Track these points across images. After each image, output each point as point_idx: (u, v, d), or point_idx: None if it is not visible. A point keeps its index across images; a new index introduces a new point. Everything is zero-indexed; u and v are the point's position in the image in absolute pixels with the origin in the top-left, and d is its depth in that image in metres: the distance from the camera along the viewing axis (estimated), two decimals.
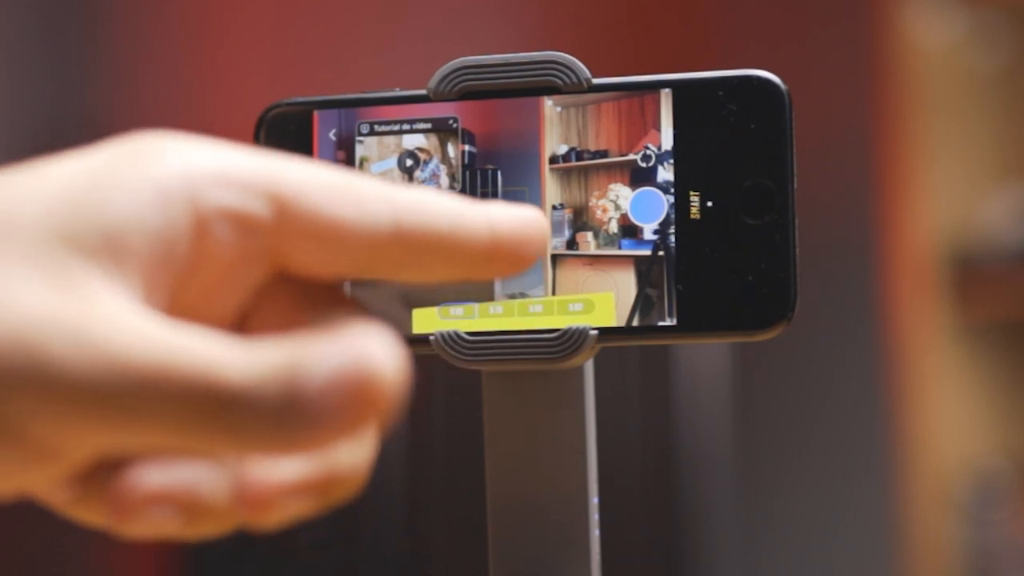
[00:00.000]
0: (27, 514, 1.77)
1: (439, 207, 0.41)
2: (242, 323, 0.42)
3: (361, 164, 0.56)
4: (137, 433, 0.37)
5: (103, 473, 0.40)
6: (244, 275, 0.41)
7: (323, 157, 0.56)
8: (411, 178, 0.55)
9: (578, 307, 0.54)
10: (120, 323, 0.37)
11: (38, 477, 0.39)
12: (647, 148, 0.54)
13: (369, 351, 0.38)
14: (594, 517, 0.55)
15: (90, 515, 0.41)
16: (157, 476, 0.39)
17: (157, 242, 0.39)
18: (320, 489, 0.40)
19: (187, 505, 0.39)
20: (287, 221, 0.40)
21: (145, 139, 0.40)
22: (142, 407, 0.37)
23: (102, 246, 0.38)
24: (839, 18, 2.26)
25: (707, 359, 1.67)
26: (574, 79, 0.54)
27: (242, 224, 0.40)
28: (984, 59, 2.32)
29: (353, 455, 0.41)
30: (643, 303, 0.53)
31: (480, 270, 0.42)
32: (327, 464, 0.40)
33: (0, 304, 0.37)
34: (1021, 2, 2.36)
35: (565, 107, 0.54)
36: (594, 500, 0.55)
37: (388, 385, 0.38)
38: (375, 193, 0.41)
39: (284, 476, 0.39)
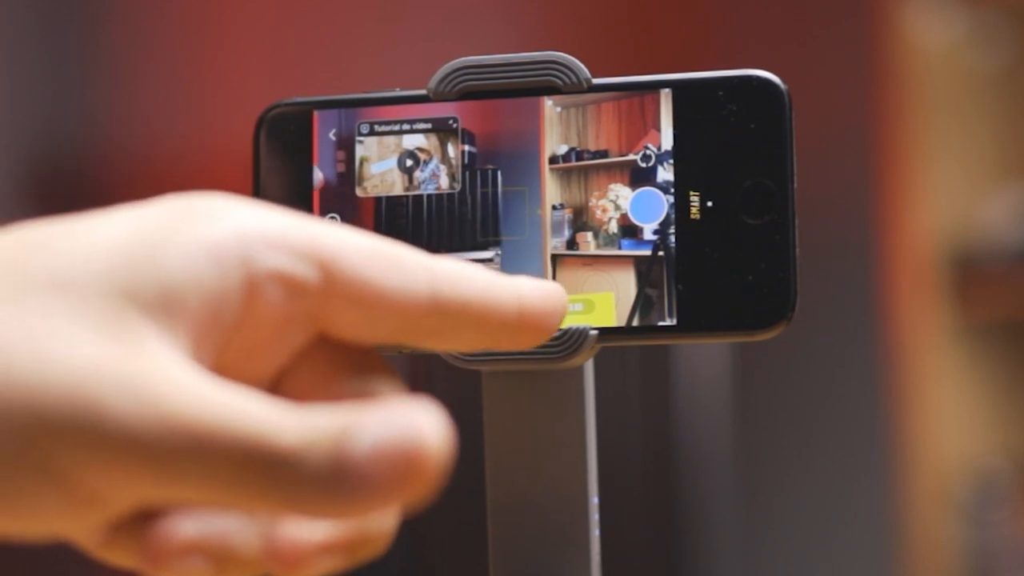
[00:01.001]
0: None
1: (474, 279, 0.43)
2: (279, 383, 0.43)
3: (361, 164, 0.56)
4: (185, 489, 0.38)
5: (137, 518, 0.41)
6: (288, 337, 0.42)
7: (323, 157, 0.56)
8: (411, 178, 0.55)
9: (578, 307, 0.54)
10: (175, 380, 0.38)
11: (80, 523, 0.40)
12: (647, 148, 0.54)
13: (417, 423, 0.39)
14: (594, 517, 0.55)
15: (119, 558, 0.42)
16: (192, 526, 0.40)
17: (210, 301, 0.40)
18: (349, 549, 0.41)
19: (219, 556, 0.40)
20: (332, 285, 0.41)
21: (200, 199, 0.41)
22: (193, 465, 0.38)
23: (158, 302, 0.39)
24: (839, 18, 2.26)
25: (707, 359, 1.67)
26: (574, 79, 0.54)
27: (290, 287, 0.41)
28: (984, 59, 2.32)
29: (383, 516, 0.42)
30: (643, 303, 0.53)
31: (506, 340, 0.45)
32: (358, 525, 0.41)
33: (60, 352, 0.38)
34: (1021, 2, 2.36)
35: (565, 107, 0.54)
36: (594, 500, 0.55)
37: (434, 458, 0.38)
38: (415, 262, 0.43)
39: (315, 535, 0.40)
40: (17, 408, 0.37)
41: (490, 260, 0.54)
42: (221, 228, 0.40)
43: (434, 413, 0.39)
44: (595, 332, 0.53)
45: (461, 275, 0.43)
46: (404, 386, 0.44)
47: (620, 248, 0.54)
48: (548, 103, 0.55)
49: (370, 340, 0.43)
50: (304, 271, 0.41)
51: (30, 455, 0.38)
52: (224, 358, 0.41)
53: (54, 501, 0.38)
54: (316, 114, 0.56)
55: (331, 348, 0.43)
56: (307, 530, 0.40)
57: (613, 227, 0.54)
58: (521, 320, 0.44)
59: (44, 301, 0.38)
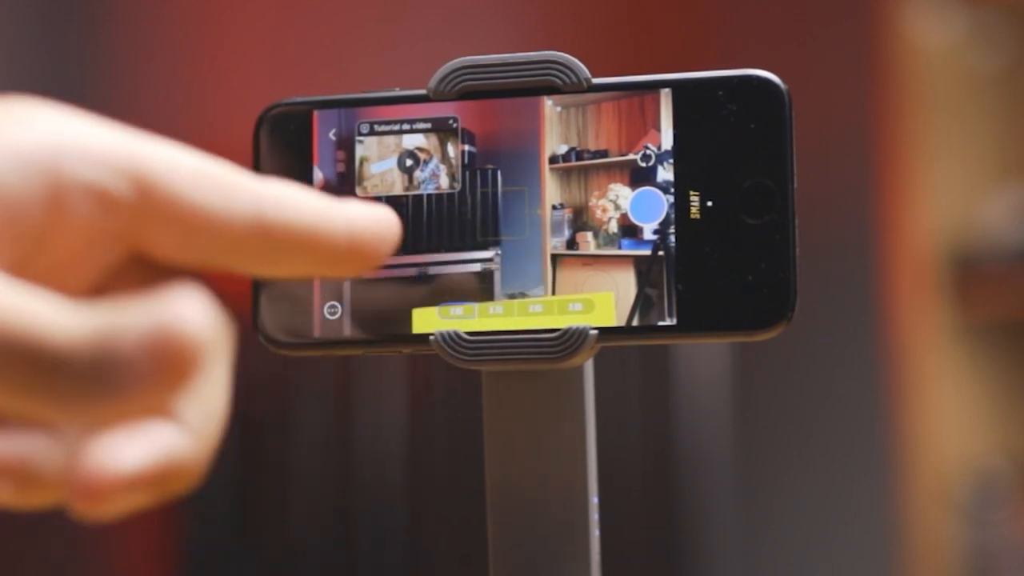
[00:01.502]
0: (27, 515, 1.77)
1: (301, 202, 0.42)
2: (93, 300, 0.42)
3: (361, 164, 0.56)
4: None
5: None
6: (99, 252, 0.42)
7: (323, 157, 0.56)
8: (411, 178, 0.55)
9: (578, 307, 0.54)
10: None
11: None
12: (647, 148, 0.54)
13: (177, 312, 0.38)
14: (594, 517, 0.55)
15: None
16: None
17: (8, 207, 0.40)
18: (155, 482, 0.40)
19: (20, 476, 0.40)
20: (148, 203, 0.41)
21: (19, 103, 0.41)
22: None
23: None
24: (839, 18, 2.26)
25: (707, 359, 1.67)
26: (574, 79, 0.54)
27: (101, 201, 0.41)
28: (984, 59, 2.32)
29: (189, 447, 0.41)
30: (643, 303, 0.53)
31: (336, 267, 0.44)
32: (163, 457, 0.40)
33: None
34: (1021, 2, 2.35)
35: (565, 107, 0.54)
36: (594, 500, 0.55)
37: (194, 344, 0.38)
38: (239, 183, 0.42)
39: (119, 469, 0.39)
40: None
41: (490, 260, 0.54)
42: (31, 134, 0.40)
43: (196, 300, 0.38)
44: (595, 332, 0.53)
45: (288, 197, 0.42)
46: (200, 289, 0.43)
47: (620, 248, 0.54)
48: (548, 103, 0.55)
49: (189, 261, 0.42)
50: (117, 185, 0.41)
51: None
52: (31, 268, 0.41)
53: None
54: (316, 114, 0.56)
55: (146, 268, 0.43)
56: (111, 463, 0.39)
57: (613, 227, 0.54)
58: (351, 246, 0.43)
59: None
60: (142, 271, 0.43)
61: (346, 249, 0.43)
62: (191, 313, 0.38)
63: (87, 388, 0.38)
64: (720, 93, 0.53)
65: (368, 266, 0.44)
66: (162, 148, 0.42)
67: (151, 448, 0.39)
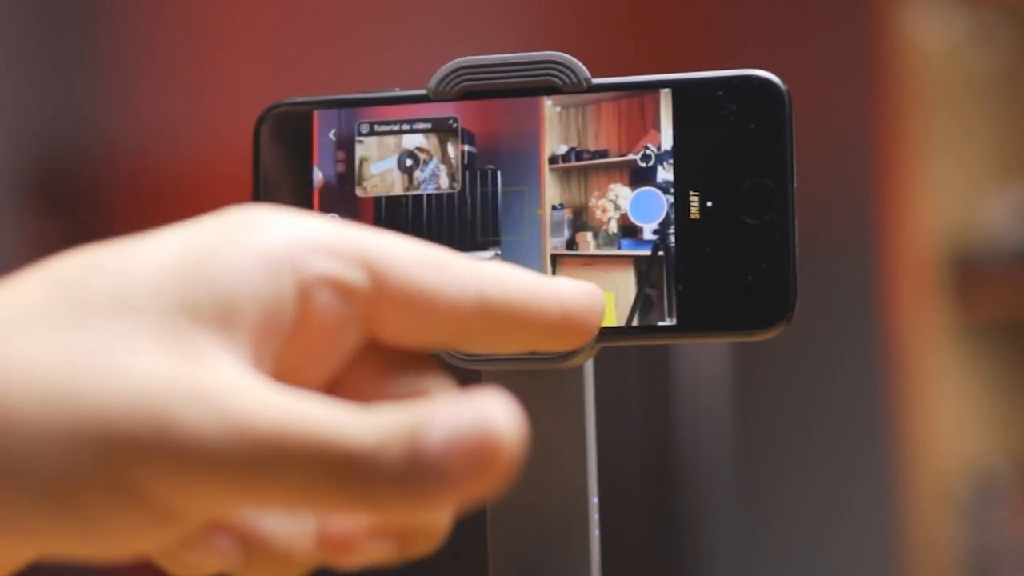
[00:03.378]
0: None
1: (518, 280, 0.44)
2: (333, 390, 0.43)
3: (361, 164, 0.56)
4: (263, 498, 0.38)
5: None
6: (340, 343, 0.43)
7: (323, 157, 0.56)
8: (411, 178, 0.55)
9: None
10: (243, 390, 0.38)
11: (160, 539, 0.40)
12: (647, 148, 0.54)
13: (488, 412, 0.38)
14: (594, 517, 0.55)
15: (177, 566, 0.42)
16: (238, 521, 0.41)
17: (266, 309, 0.40)
18: (399, 537, 0.42)
19: (249, 541, 0.41)
20: (382, 289, 0.42)
21: (246, 211, 0.42)
22: (268, 473, 0.38)
23: (217, 315, 0.39)
24: (839, 18, 2.26)
25: (707, 359, 1.67)
26: (574, 79, 0.54)
27: (341, 291, 0.42)
28: (984, 59, 2.32)
29: (436, 515, 0.42)
30: (643, 303, 0.53)
31: (550, 341, 0.45)
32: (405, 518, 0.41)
33: (126, 372, 0.38)
34: (1021, 2, 2.36)
35: (565, 107, 0.54)
36: (594, 500, 0.55)
37: (508, 446, 0.38)
38: (460, 265, 0.43)
39: (362, 522, 0.41)
40: (89, 429, 0.37)
41: (490, 260, 0.54)
42: (270, 236, 0.41)
43: (505, 401, 0.39)
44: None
45: (505, 276, 0.44)
46: (455, 384, 0.44)
47: (620, 248, 0.54)
48: (548, 103, 0.55)
49: (420, 343, 0.44)
50: (353, 275, 0.42)
51: (108, 476, 0.38)
52: (281, 366, 0.41)
53: (136, 521, 0.38)
54: (316, 114, 0.56)
55: (382, 353, 0.44)
56: (354, 519, 0.41)
57: (613, 227, 0.54)
58: (564, 321, 0.45)
59: (105, 321, 0.39)
60: (376, 356, 0.44)
61: (560, 324, 0.45)
62: (502, 413, 0.38)
63: (398, 489, 0.38)
64: (720, 93, 0.53)
65: (583, 340, 0.46)
66: (386, 236, 0.43)
67: None
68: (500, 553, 0.55)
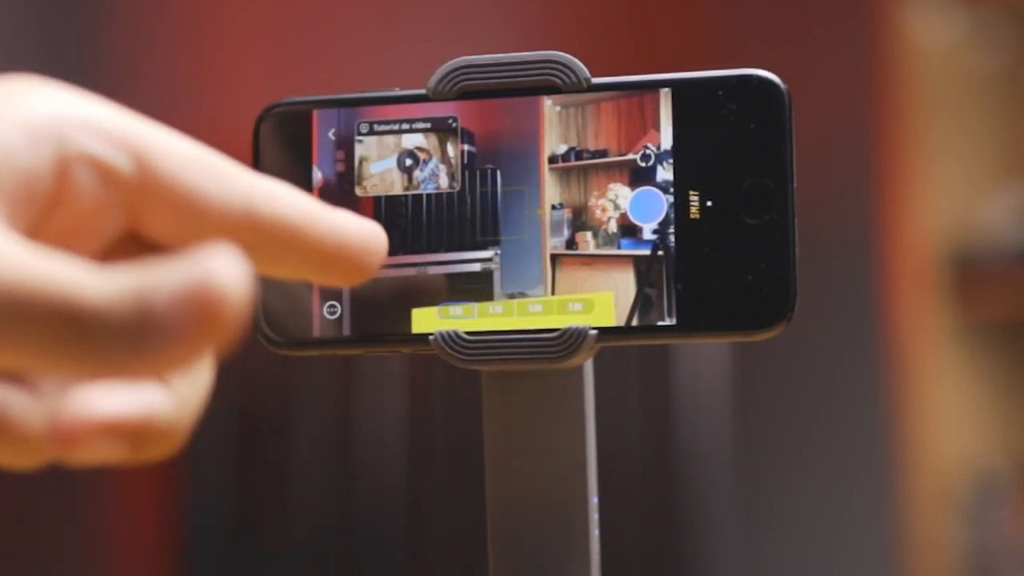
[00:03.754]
0: (26, 512, 1.77)
1: (293, 201, 0.44)
2: None
3: (360, 164, 0.56)
4: None
5: None
6: (101, 225, 0.43)
7: (322, 157, 0.56)
8: (410, 178, 0.55)
9: (577, 307, 0.54)
10: None
11: None
12: (646, 148, 0.54)
13: (213, 267, 0.39)
14: (594, 517, 0.55)
15: None
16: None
17: (20, 173, 0.41)
18: (133, 434, 0.41)
19: None
20: (147, 180, 0.42)
21: (22, 79, 0.43)
22: (1, 321, 0.38)
23: None
24: (839, 18, 2.26)
25: (707, 359, 1.67)
26: (573, 79, 0.54)
27: (103, 173, 0.42)
28: (984, 59, 2.32)
29: (173, 409, 0.42)
30: (643, 303, 0.53)
31: (324, 271, 0.45)
32: (144, 411, 0.41)
33: None
34: (1021, 2, 2.35)
35: (564, 107, 0.54)
36: (594, 500, 0.55)
37: (232, 298, 0.38)
38: (235, 174, 0.44)
39: (98, 414, 0.40)
40: None
41: (489, 260, 0.54)
42: (38, 105, 0.42)
43: (230, 257, 0.39)
44: (595, 332, 0.53)
45: (281, 196, 0.44)
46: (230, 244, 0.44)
47: (619, 248, 0.54)
48: (548, 103, 0.55)
49: (180, 241, 0.44)
50: (118, 159, 0.42)
51: None
52: (38, 238, 0.42)
53: None
54: (315, 114, 0.56)
55: (144, 248, 0.44)
56: (91, 410, 0.41)
57: (612, 227, 0.54)
58: (339, 251, 0.45)
59: None
60: (137, 252, 0.44)
61: (334, 253, 0.45)
62: (226, 267, 0.39)
63: (126, 345, 0.38)
64: (720, 93, 0.53)
65: (357, 276, 0.46)
66: (160, 130, 0.43)
67: (131, 402, 0.41)
68: (500, 553, 0.55)
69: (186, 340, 0.38)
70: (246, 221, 0.43)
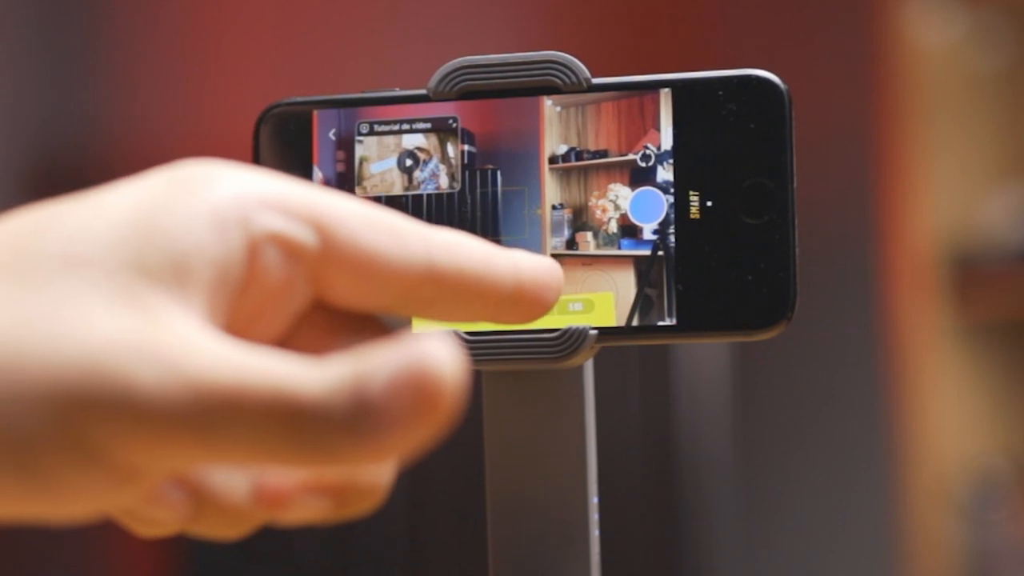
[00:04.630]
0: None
1: (470, 249, 0.44)
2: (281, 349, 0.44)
3: (361, 164, 0.56)
4: (219, 452, 0.38)
5: None
6: (288, 301, 0.43)
7: (323, 157, 0.56)
8: (410, 178, 0.55)
9: (578, 307, 0.54)
10: (196, 346, 0.38)
11: (121, 498, 0.40)
12: (647, 148, 0.54)
13: (428, 351, 0.38)
14: (594, 517, 0.55)
15: (137, 524, 0.43)
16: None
17: (216, 265, 0.40)
18: (337, 495, 0.42)
19: (204, 504, 0.41)
20: (330, 249, 0.42)
21: (196, 166, 0.42)
22: (223, 427, 0.38)
23: (168, 271, 0.39)
24: (839, 18, 2.26)
25: (707, 359, 1.67)
26: (574, 79, 0.54)
27: (289, 249, 0.42)
28: (984, 59, 2.32)
29: (375, 473, 0.42)
30: (643, 303, 0.53)
31: (504, 314, 0.45)
32: (350, 473, 0.42)
33: (78, 331, 0.38)
34: (1021, 2, 2.35)
35: (565, 107, 0.54)
36: (594, 500, 0.55)
37: (449, 383, 0.38)
38: (412, 230, 0.43)
39: (301, 476, 0.41)
40: (44, 389, 0.37)
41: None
42: (220, 192, 0.41)
43: (445, 341, 0.39)
44: (595, 332, 0.53)
45: (458, 244, 0.44)
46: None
47: (620, 248, 0.54)
48: (548, 103, 0.55)
49: (367, 307, 0.44)
50: (302, 234, 0.42)
51: (65, 436, 0.38)
52: (231, 323, 0.41)
53: (94, 481, 0.38)
54: (316, 114, 0.56)
55: (330, 314, 0.44)
56: (293, 474, 0.41)
57: (613, 227, 0.54)
58: (518, 293, 0.45)
59: (57, 279, 0.39)
60: (324, 317, 0.44)
61: (513, 296, 0.45)
62: (440, 350, 0.38)
63: (348, 436, 0.38)
64: (720, 93, 0.53)
65: (537, 313, 0.46)
66: (337, 196, 0.43)
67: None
68: (500, 553, 0.55)
69: (406, 428, 0.38)
70: (426, 275, 0.43)
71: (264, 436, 0.38)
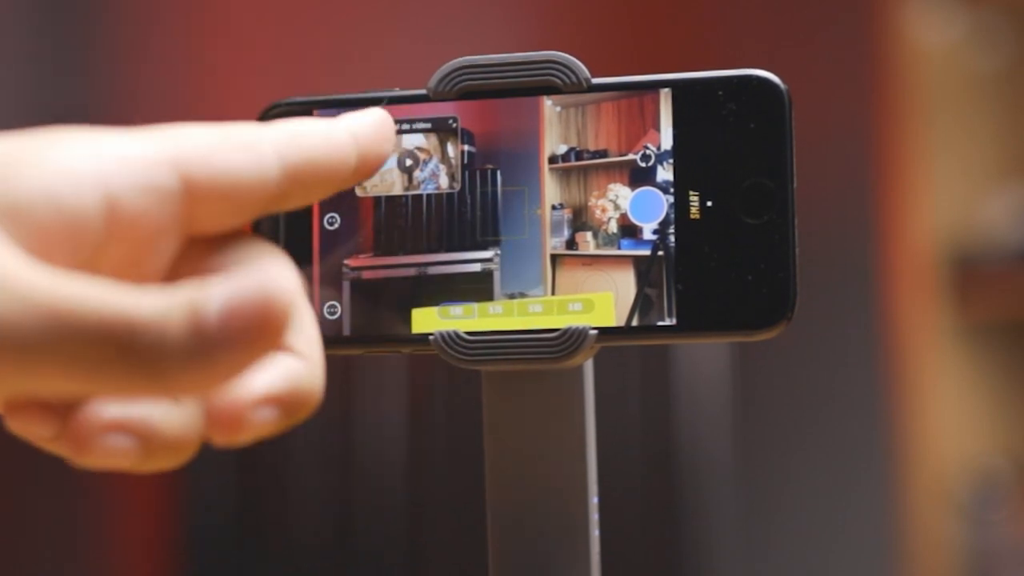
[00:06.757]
0: (26, 511, 1.77)
1: (311, 134, 0.46)
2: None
3: None
4: (49, 375, 0.39)
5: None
6: (165, 242, 0.44)
7: None
8: (410, 178, 0.55)
9: (578, 307, 0.54)
10: (23, 270, 0.40)
11: None
12: (646, 148, 0.54)
13: (265, 277, 0.40)
14: (594, 517, 0.55)
15: (63, 451, 0.43)
16: (113, 410, 0.42)
17: (65, 216, 0.42)
18: (284, 405, 0.43)
19: (143, 433, 0.42)
20: (192, 184, 0.44)
21: (64, 130, 0.44)
22: (54, 346, 0.39)
23: (5, 212, 0.41)
24: (839, 18, 2.26)
25: (707, 359, 1.67)
26: (573, 79, 0.54)
27: (153, 195, 0.43)
28: (984, 59, 2.32)
29: (308, 372, 0.44)
30: (643, 303, 0.53)
31: (352, 179, 0.48)
32: (289, 382, 0.43)
33: None
34: (1021, 2, 2.35)
35: (564, 107, 0.54)
36: (594, 500, 0.55)
37: (281, 306, 0.40)
38: (258, 138, 0.46)
39: (252, 393, 0.42)
40: None
41: (489, 260, 0.54)
42: (79, 151, 0.43)
43: (285, 269, 0.41)
44: (595, 332, 0.53)
45: (299, 134, 0.46)
46: (277, 247, 0.46)
47: (620, 248, 0.54)
48: (547, 103, 0.55)
49: (236, 222, 0.45)
50: (162, 179, 0.44)
51: None
52: (104, 272, 0.43)
53: None
54: (316, 114, 0.56)
55: (204, 242, 0.46)
56: (242, 391, 0.42)
57: (613, 227, 0.54)
58: (362, 161, 0.48)
59: None
60: (198, 246, 0.46)
61: (359, 165, 0.48)
62: (278, 278, 0.40)
63: (183, 360, 0.39)
64: (720, 93, 0.53)
65: (375, 170, 0.49)
66: (189, 129, 0.45)
67: (278, 374, 0.43)
68: (500, 552, 0.55)
69: (242, 348, 0.39)
70: (283, 178, 0.45)
71: (95, 359, 0.39)
